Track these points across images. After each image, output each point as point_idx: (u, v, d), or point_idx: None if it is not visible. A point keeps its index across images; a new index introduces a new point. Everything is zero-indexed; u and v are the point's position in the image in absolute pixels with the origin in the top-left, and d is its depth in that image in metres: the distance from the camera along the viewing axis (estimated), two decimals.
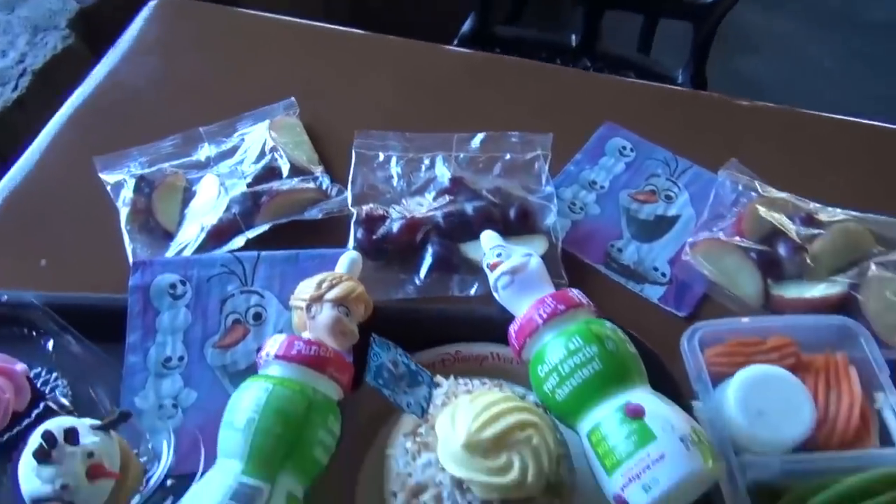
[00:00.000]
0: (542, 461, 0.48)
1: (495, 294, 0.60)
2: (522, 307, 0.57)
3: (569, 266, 0.70)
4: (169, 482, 0.53)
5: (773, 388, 0.57)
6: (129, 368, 0.61)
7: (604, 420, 0.49)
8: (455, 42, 1.34)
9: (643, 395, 0.51)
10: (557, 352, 0.52)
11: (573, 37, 1.33)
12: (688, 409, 0.58)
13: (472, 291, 0.68)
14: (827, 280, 0.69)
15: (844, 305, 0.67)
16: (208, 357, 0.62)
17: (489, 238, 0.64)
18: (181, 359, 0.62)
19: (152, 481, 0.52)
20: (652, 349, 0.60)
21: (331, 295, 0.58)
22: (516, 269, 0.59)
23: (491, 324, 0.62)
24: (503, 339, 0.59)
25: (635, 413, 0.49)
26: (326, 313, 0.57)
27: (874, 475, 0.54)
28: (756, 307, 0.68)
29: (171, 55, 0.90)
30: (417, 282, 0.69)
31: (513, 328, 0.57)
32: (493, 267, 0.60)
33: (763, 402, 0.57)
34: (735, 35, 2.10)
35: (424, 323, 0.64)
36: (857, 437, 0.59)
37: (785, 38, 2.21)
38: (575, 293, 0.57)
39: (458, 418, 0.49)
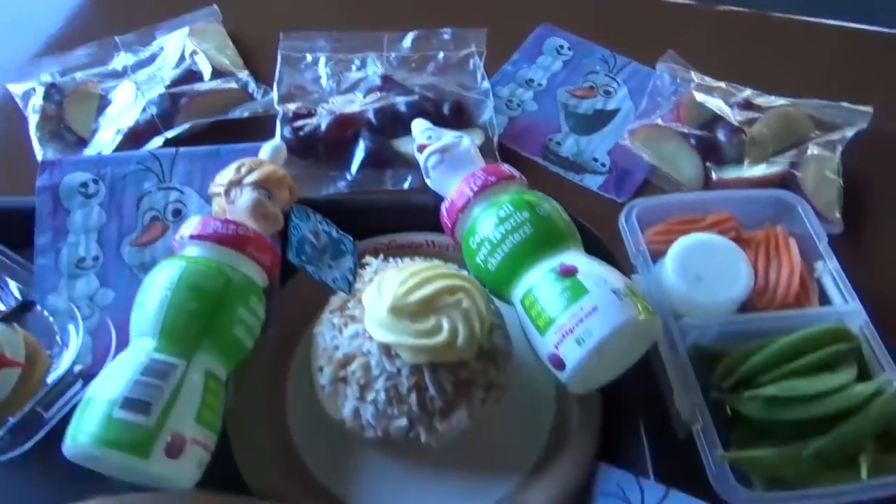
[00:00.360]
0: (472, 324, 0.45)
1: (427, 180, 0.58)
2: (454, 186, 0.55)
3: (506, 160, 0.68)
4: (77, 368, 0.49)
5: (711, 254, 0.56)
6: (39, 270, 0.57)
7: (536, 283, 0.47)
8: None
9: (576, 256, 0.49)
10: (488, 221, 0.50)
11: None
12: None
13: (406, 185, 0.66)
14: (766, 161, 0.68)
15: (783, 184, 0.67)
16: (125, 256, 0.58)
17: (419, 123, 0.61)
18: (96, 258, 0.58)
19: (60, 368, 0.48)
20: (590, 228, 0.59)
21: (250, 178, 0.55)
22: (446, 147, 0.56)
23: (426, 211, 0.59)
24: (439, 227, 0.56)
25: (568, 272, 0.47)
26: (246, 196, 0.54)
27: (813, 331, 0.53)
28: (697, 190, 0.67)
29: None
30: (349, 177, 0.66)
31: (444, 206, 0.55)
32: (422, 148, 0.57)
33: (701, 267, 0.55)
34: None
35: (356, 213, 0.61)
36: (797, 303, 0.58)
37: None
38: (506, 167, 0.55)
39: (385, 285, 0.47)
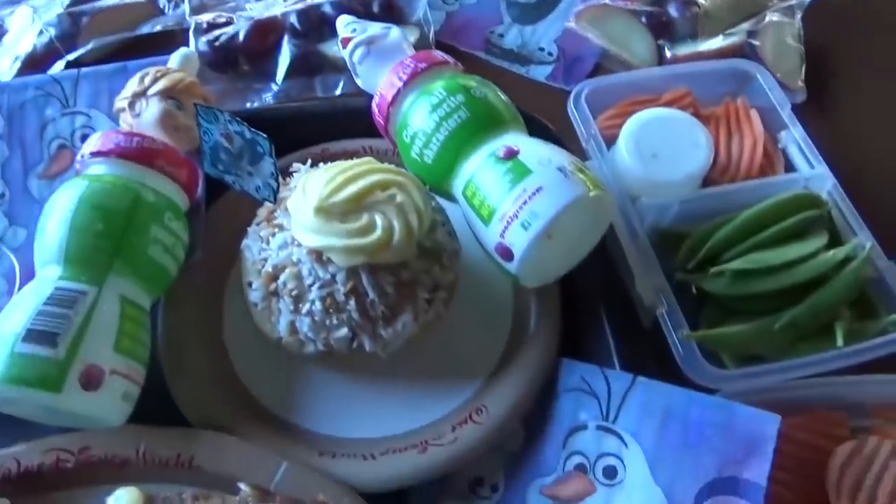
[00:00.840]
0: (409, 219, 0.41)
1: (357, 79, 0.53)
2: (383, 80, 0.50)
3: None
4: None
5: (667, 129, 0.52)
6: None
7: (477, 170, 0.43)
8: None
9: (517, 138, 0.44)
10: (421, 110, 0.45)
11: None
12: None
13: (339, 90, 0.61)
14: (722, 34, 0.63)
15: (743, 55, 0.62)
16: (34, 190, 0.53)
17: (342, 18, 0.55)
18: (2, 196, 0.53)
19: None
20: (538, 118, 0.54)
21: (156, 87, 0.49)
22: (372, 39, 0.51)
23: (360, 115, 0.54)
24: (376, 131, 0.52)
25: (509, 153, 0.42)
26: (153, 108, 0.49)
27: (779, 200, 0.50)
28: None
29: None
30: (275, 88, 0.60)
31: (374, 103, 0.50)
32: (345, 42, 0.52)
33: (657, 144, 0.51)
34: None
35: (284, 124, 0.55)
36: (761, 176, 0.55)
37: None
38: (438, 53, 0.50)
39: (310, 186, 0.42)
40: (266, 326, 0.45)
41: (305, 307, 0.42)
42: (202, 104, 0.51)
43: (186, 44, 0.61)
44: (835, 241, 0.51)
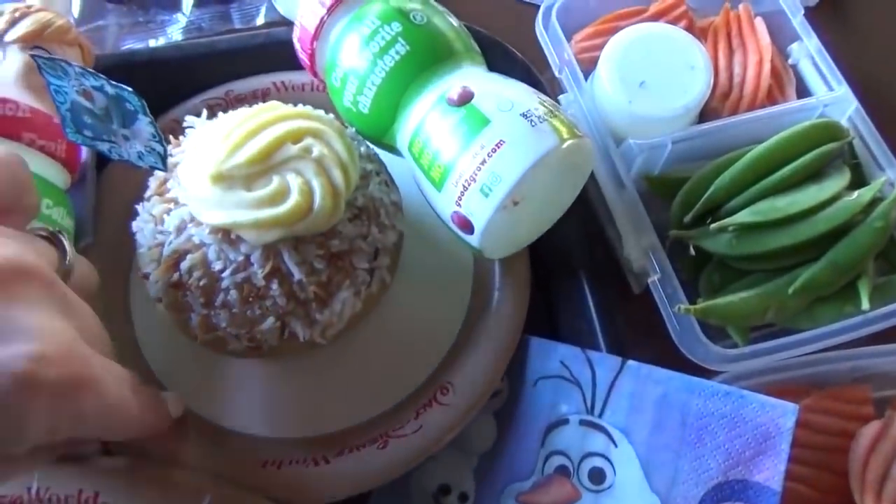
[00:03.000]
0: (332, 176, 0.33)
1: (277, 4, 0.43)
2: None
3: None
4: None
5: (656, 50, 0.43)
6: None
7: (424, 120, 0.34)
8: None
9: (471, 74, 0.35)
10: (350, 45, 0.36)
11: None
12: None
13: (260, 19, 0.50)
14: None
15: None
16: None
17: None
18: None
19: None
20: (503, 43, 0.45)
21: (14, 33, 0.39)
22: None
23: (275, 48, 0.45)
24: (294, 63, 0.42)
25: (462, 98, 0.34)
26: (13, 60, 0.39)
27: (791, 133, 0.42)
28: None
29: None
30: (182, 19, 0.50)
31: (295, 36, 0.40)
32: None
33: (644, 69, 0.42)
34: None
35: (183, 66, 0.45)
36: (770, 100, 0.46)
37: None
38: None
39: (204, 147, 0.34)
40: (178, 324, 0.37)
41: (219, 298, 0.34)
42: (86, 56, 0.42)
43: None
44: (858, 178, 0.43)
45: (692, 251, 0.41)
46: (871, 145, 0.42)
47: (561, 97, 0.45)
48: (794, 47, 0.47)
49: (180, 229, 0.34)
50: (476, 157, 0.32)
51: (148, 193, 0.37)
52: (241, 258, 0.33)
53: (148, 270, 0.36)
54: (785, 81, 0.46)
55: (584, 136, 0.34)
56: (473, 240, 0.34)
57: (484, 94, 0.33)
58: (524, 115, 0.32)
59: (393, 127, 0.36)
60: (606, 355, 0.37)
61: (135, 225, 0.37)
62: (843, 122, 0.44)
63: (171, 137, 0.37)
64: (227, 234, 0.33)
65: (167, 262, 0.35)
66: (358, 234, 0.35)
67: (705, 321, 0.38)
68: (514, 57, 0.45)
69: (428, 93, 0.35)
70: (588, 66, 0.46)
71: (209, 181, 0.32)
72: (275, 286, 0.33)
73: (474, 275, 0.41)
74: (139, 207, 0.37)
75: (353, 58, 0.36)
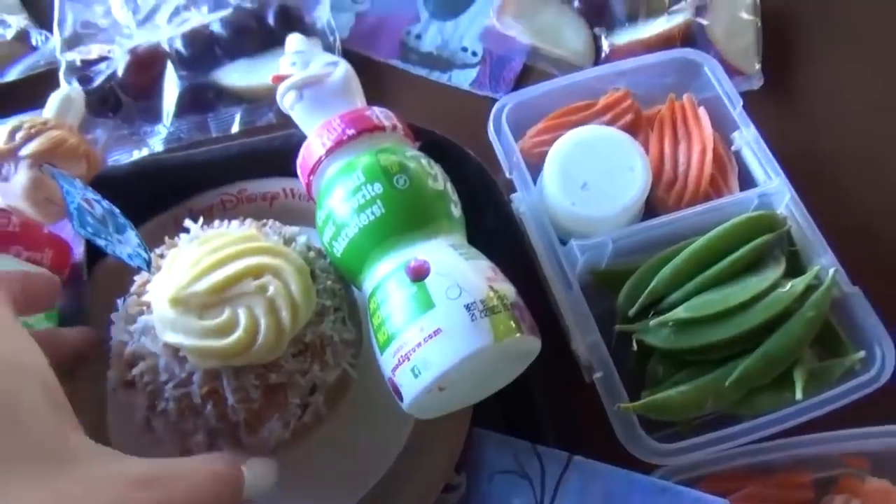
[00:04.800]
0: (280, 317, 0.35)
1: (294, 118, 0.45)
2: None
3: (357, 68, 0.54)
4: None
5: (596, 153, 0.45)
6: None
7: (383, 281, 0.36)
8: None
9: (436, 248, 0.36)
10: (337, 192, 0.38)
11: None
12: (505, 206, 0.47)
13: (235, 126, 0.54)
14: (666, 13, 0.56)
15: (691, 37, 0.55)
16: None
17: (290, 42, 0.47)
18: None
19: None
20: (461, 147, 0.47)
21: (29, 149, 0.43)
22: (308, 81, 0.42)
23: (289, 153, 0.46)
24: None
25: (417, 273, 0.35)
26: (22, 174, 0.43)
27: (729, 226, 0.44)
28: (587, 66, 0.55)
29: None
30: (163, 130, 0.54)
31: (299, 161, 0.42)
32: (276, 80, 0.43)
33: (586, 171, 0.45)
34: None
35: (196, 169, 0.48)
36: (713, 188, 0.48)
37: None
38: (376, 112, 0.41)
39: (175, 268, 0.36)
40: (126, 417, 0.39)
41: (160, 405, 0.36)
42: (92, 167, 0.46)
43: (59, 86, 0.54)
44: (797, 264, 0.45)
45: (635, 345, 0.43)
46: (806, 233, 0.44)
47: (513, 196, 0.48)
48: (736, 135, 0.49)
49: (142, 334, 0.37)
50: (414, 339, 0.33)
51: (131, 290, 0.39)
52: (184, 375, 0.35)
53: (111, 362, 0.38)
54: (728, 170, 0.49)
55: (524, 335, 0.34)
56: (403, 406, 0.35)
57: (438, 276, 0.34)
58: (467, 307, 0.33)
59: (360, 276, 0.38)
60: (554, 450, 0.40)
61: (113, 316, 0.39)
62: (781, 210, 0.46)
63: (166, 238, 0.40)
64: (175, 352, 0.36)
65: (126, 360, 0.37)
66: (298, 370, 0.36)
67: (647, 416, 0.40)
68: (469, 159, 0.47)
69: (392, 257, 0.36)
70: (541, 161, 0.49)
71: (167, 303, 0.35)
72: (209, 406, 0.35)
73: None
74: (120, 302, 0.40)
75: (337, 204, 0.37)
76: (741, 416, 0.41)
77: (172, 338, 0.35)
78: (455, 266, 0.35)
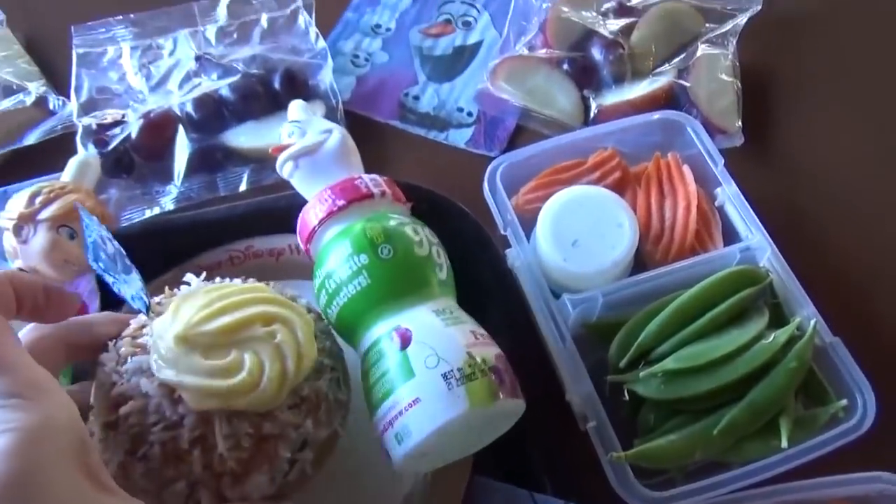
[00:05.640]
0: (285, 364, 0.36)
1: (294, 184, 0.48)
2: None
3: (359, 129, 0.58)
4: None
5: (586, 211, 0.48)
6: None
7: (375, 344, 0.38)
8: None
9: (420, 315, 0.38)
10: (329, 261, 0.40)
11: None
12: (500, 261, 0.49)
13: (243, 185, 0.57)
14: (651, 75, 0.59)
15: (674, 97, 0.58)
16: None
17: (290, 111, 0.50)
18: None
19: None
20: (458, 205, 0.50)
21: (47, 213, 0.46)
22: (302, 152, 0.45)
23: (288, 211, 0.48)
24: None
25: (402, 340, 0.37)
26: (41, 237, 0.45)
27: (712, 281, 0.46)
28: (577, 125, 0.58)
29: None
30: (174, 190, 0.56)
31: (298, 226, 0.45)
32: (276, 152, 0.46)
33: (576, 229, 0.47)
34: None
35: (205, 227, 0.51)
36: (698, 243, 0.51)
37: None
38: (365, 181, 0.43)
39: (183, 309, 0.37)
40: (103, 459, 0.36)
41: (142, 450, 0.35)
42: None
43: (75, 150, 0.57)
44: (780, 316, 0.47)
45: (626, 395, 0.45)
46: (787, 286, 0.47)
47: (507, 251, 0.50)
48: (719, 191, 0.52)
49: (134, 374, 0.36)
50: (396, 407, 0.35)
51: (125, 332, 0.39)
52: (175, 417, 0.35)
53: (93, 403, 0.38)
54: (712, 225, 0.51)
55: (502, 399, 0.35)
56: (391, 464, 0.36)
57: (418, 344, 0.36)
58: (445, 377, 0.35)
59: (354, 339, 0.40)
60: (551, 499, 0.41)
61: (102, 357, 0.38)
62: (763, 263, 0.48)
63: (166, 288, 0.40)
64: (171, 392, 0.35)
65: (111, 401, 0.36)
66: (292, 423, 0.36)
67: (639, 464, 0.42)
68: (466, 217, 0.50)
69: (382, 323, 0.38)
70: (534, 216, 0.51)
71: (173, 340, 0.35)
72: (196, 453, 0.34)
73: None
74: (111, 343, 0.39)
75: (330, 272, 0.40)
76: (730, 464, 0.43)
77: (172, 376, 0.35)
78: (436, 334, 0.37)
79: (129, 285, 0.39)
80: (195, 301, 0.37)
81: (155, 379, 0.35)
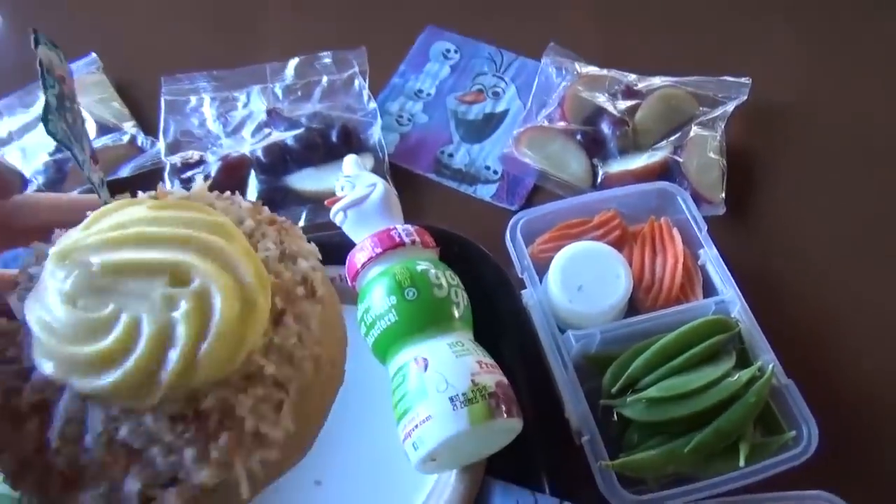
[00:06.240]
0: (168, 347, 0.25)
1: (346, 230, 0.58)
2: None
3: (401, 179, 0.69)
4: None
5: (590, 262, 0.58)
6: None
7: (401, 368, 0.47)
8: None
9: (438, 347, 0.47)
10: (366, 298, 0.50)
11: None
12: (517, 300, 0.59)
13: (301, 222, 0.67)
14: (650, 149, 0.69)
15: (669, 170, 0.68)
16: None
17: (344, 165, 0.60)
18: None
19: None
20: (483, 250, 0.60)
21: None
22: (351, 204, 0.55)
23: (339, 246, 0.56)
24: None
25: (421, 368, 0.46)
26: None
27: (692, 326, 0.56)
28: (586, 188, 0.68)
29: None
30: None
31: (346, 267, 0.54)
32: (330, 203, 0.57)
33: (581, 277, 0.57)
34: None
35: None
36: (682, 294, 0.60)
37: None
38: (399, 231, 0.53)
39: (96, 224, 0.28)
40: None
41: None
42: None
43: (163, 183, 0.68)
44: (745, 359, 0.56)
45: (615, 416, 0.54)
46: (752, 334, 0.56)
47: (523, 291, 0.60)
48: (702, 252, 0.62)
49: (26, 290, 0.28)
50: (413, 420, 0.44)
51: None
52: (26, 364, 0.27)
53: None
54: (694, 280, 0.61)
55: (497, 419, 0.44)
56: (411, 465, 0.46)
57: (433, 372, 0.45)
58: (451, 399, 0.43)
59: (385, 363, 0.49)
60: (549, 497, 0.50)
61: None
62: (734, 314, 0.58)
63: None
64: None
65: None
66: (162, 441, 0.25)
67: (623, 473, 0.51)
68: (489, 260, 0.60)
69: (406, 352, 0.47)
70: (544, 265, 0.61)
71: (52, 257, 0.27)
72: (32, 424, 0.26)
73: None
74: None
75: (368, 307, 0.49)
76: (698, 477, 0.52)
77: (33, 314, 0.26)
78: (447, 363, 0.45)
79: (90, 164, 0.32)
80: (117, 217, 0.28)
81: (31, 311, 0.26)
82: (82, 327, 0.25)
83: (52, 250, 0.26)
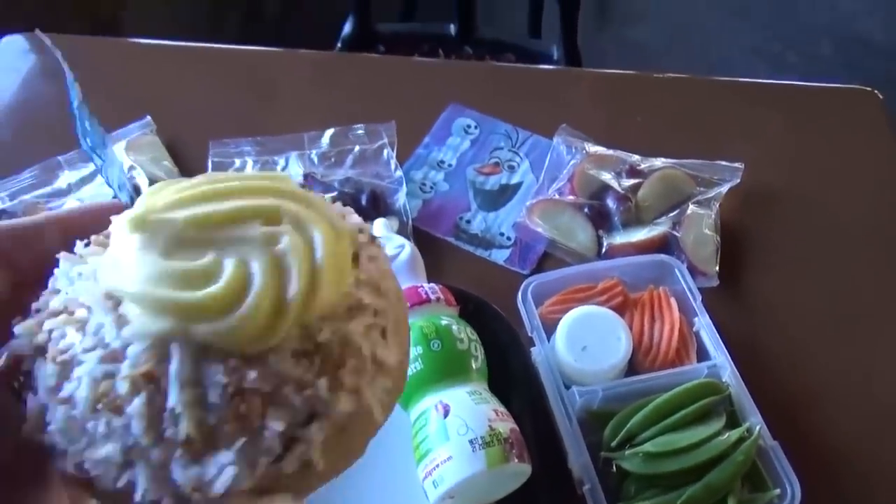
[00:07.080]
0: (287, 281, 0.24)
1: None
2: None
3: (423, 242, 0.76)
4: None
5: (594, 325, 0.64)
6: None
7: (424, 412, 0.52)
8: (338, 45, 1.34)
9: (458, 394, 0.52)
10: None
11: (452, 27, 1.32)
12: (526, 356, 0.65)
13: None
14: (651, 224, 0.76)
15: (667, 244, 0.75)
16: None
17: (375, 227, 0.67)
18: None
19: None
20: (497, 310, 0.66)
21: None
22: None
23: None
24: None
25: (443, 412, 0.51)
26: None
27: (686, 387, 0.61)
28: (591, 257, 0.75)
29: (23, 86, 0.91)
30: None
31: None
32: None
33: (585, 338, 0.63)
34: (622, 3, 2.21)
35: None
36: (678, 357, 0.66)
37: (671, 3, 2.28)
38: (425, 289, 0.58)
39: (151, 197, 0.26)
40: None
41: (69, 387, 0.24)
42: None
43: None
44: (734, 421, 0.62)
45: (614, 467, 0.59)
46: (741, 398, 0.62)
47: (532, 349, 0.66)
48: (696, 320, 0.68)
49: (80, 280, 0.26)
50: (435, 460, 0.49)
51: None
52: (117, 344, 0.23)
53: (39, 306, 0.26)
54: (689, 345, 0.67)
55: (511, 462, 0.49)
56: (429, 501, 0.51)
57: (454, 417, 0.50)
58: (471, 442, 0.49)
59: (409, 407, 0.54)
60: None
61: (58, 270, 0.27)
62: (725, 379, 0.63)
63: None
64: (115, 305, 0.24)
65: (49, 312, 0.25)
66: (294, 379, 0.23)
67: None
68: (502, 319, 0.66)
69: (429, 397, 0.52)
70: (552, 325, 0.67)
71: (127, 225, 0.24)
72: (136, 402, 0.23)
73: None
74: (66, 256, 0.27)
75: None
76: None
77: (114, 278, 0.24)
78: (467, 409, 0.51)
79: (113, 167, 0.32)
80: (173, 186, 0.26)
81: (99, 289, 0.24)
82: (188, 275, 0.23)
83: (126, 219, 0.24)
